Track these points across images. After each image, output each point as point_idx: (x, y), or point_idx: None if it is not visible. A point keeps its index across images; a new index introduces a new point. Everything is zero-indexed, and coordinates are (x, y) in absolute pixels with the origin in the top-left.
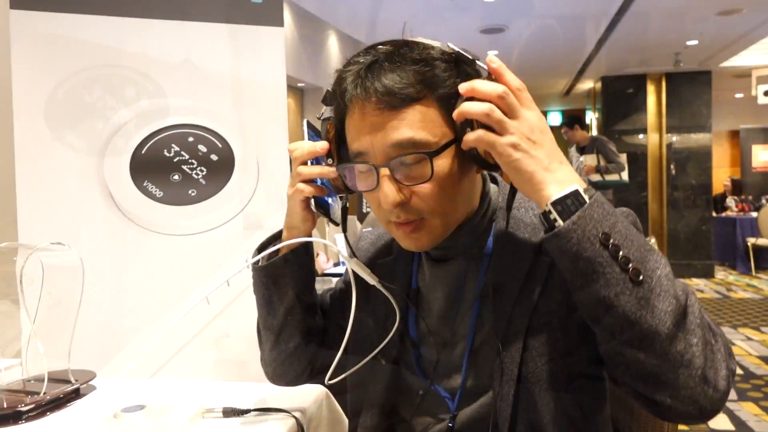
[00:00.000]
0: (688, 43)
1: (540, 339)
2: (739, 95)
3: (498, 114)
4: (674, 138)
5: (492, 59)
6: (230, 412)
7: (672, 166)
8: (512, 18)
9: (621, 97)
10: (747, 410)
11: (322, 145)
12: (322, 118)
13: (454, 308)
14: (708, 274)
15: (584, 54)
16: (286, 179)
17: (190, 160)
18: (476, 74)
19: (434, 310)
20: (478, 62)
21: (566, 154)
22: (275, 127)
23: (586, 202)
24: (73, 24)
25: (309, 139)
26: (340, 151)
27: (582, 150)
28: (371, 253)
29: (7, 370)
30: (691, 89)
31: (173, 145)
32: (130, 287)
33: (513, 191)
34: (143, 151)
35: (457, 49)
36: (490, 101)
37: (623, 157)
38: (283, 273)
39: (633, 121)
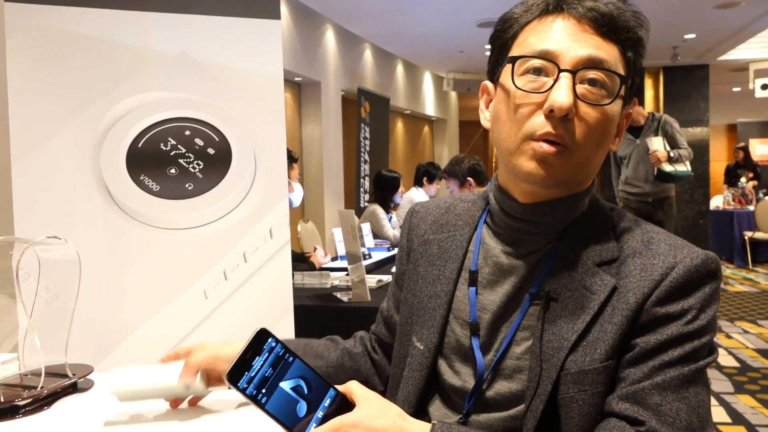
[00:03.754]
0: (686, 36)
1: (579, 362)
2: (736, 89)
3: None
4: None
5: None
6: None
7: None
8: None
9: None
10: (744, 402)
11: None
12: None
13: (510, 304)
14: None
15: None
16: (284, 173)
17: (186, 154)
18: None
19: (494, 301)
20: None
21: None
22: (272, 121)
23: None
24: (67, 17)
25: None
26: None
27: (636, 131)
28: (422, 230)
29: (4, 365)
30: (688, 83)
31: (170, 138)
32: (127, 281)
33: (594, 197)
34: (140, 145)
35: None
36: None
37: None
38: None
39: None
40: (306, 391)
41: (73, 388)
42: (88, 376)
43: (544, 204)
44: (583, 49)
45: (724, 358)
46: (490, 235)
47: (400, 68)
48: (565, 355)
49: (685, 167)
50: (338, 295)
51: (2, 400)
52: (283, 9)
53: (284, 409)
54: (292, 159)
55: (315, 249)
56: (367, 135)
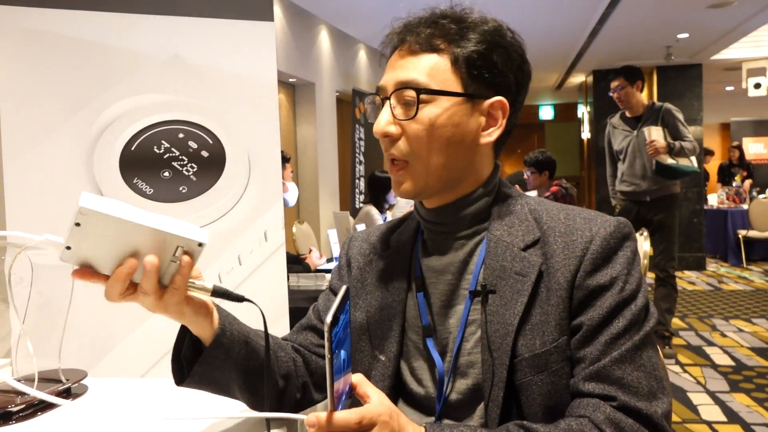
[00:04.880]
0: (679, 36)
1: (530, 346)
2: (729, 88)
3: None
4: None
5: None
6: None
7: None
8: (503, 11)
9: None
10: (739, 401)
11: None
12: None
13: (451, 302)
14: (700, 267)
15: (576, 48)
16: (278, 175)
17: (180, 157)
18: (509, 54)
19: (435, 303)
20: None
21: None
22: (266, 123)
23: None
24: (56, 19)
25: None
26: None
27: (634, 122)
28: (366, 250)
29: None
30: (682, 82)
31: (163, 141)
32: None
33: (499, 181)
34: (133, 148)
35: (509, 33)
36: None
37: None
38: (214, 371)
39: None
40: (346, 366)
41: (66, 394)
42: (81, 381)
43: (444, 207)
44: (397, 74)
45: (719, 357)
46: (423, 243)
47: None
48: (513, 340)
49: (689, 162)
50: None
51: None
52: (277, 10)
53: (336, 375)
54: (284, 159)
55: (310, 251)
56: (362, 136)
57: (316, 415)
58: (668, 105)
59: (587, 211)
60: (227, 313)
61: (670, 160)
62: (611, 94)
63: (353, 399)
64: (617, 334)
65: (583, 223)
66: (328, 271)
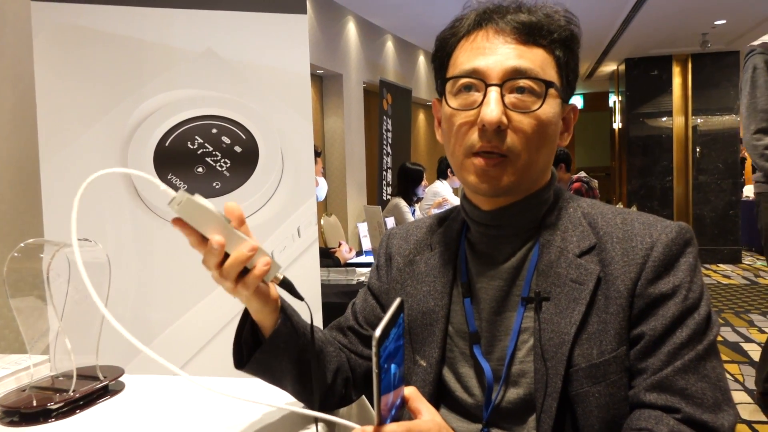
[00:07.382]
0: (716, 22)
1: (587, 356)
2: None
3: None
4: (700, 120)
5: None
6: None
7: (698, 150)
8: None
9: (645, 79)
10: None
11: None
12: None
13: (501, 308)
14: (735, 260)
15: (608, 36)
16: (311, 170)
17: (213, 152)
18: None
19: (484, 309)
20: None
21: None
22: (299, 117)
23: None
24: (93, 15)
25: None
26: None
27: None
28: (406, 250)
29: (36, 367)
30: (718, 70)
31: (197, 137)
32: (155, 281)
33: (558, 189)
34: (167, 144)
35: (573, 27)
36: None
37: None
38: (272, 360)
39: (657, 103)
40: (397, 380)
41: (104, 391)
42: (119, 379)
43: (507, 207)
44: (507, 61)
45: (758, 354)
46: (471, 245)
47: (422, 59)
48: (569, 350)
49: None
50: None
51: (35, 404)
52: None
53: (385, 391)
54: (315, 153)
55: (340, 244)
56: (389, 127)
57: (363, 428)
58: None
59: (645, 215)
60: (288, 305)
61: None
62: None
63: (405, 413)
64: (680, 344)
65: (643, 229)
66: (358, 264)
